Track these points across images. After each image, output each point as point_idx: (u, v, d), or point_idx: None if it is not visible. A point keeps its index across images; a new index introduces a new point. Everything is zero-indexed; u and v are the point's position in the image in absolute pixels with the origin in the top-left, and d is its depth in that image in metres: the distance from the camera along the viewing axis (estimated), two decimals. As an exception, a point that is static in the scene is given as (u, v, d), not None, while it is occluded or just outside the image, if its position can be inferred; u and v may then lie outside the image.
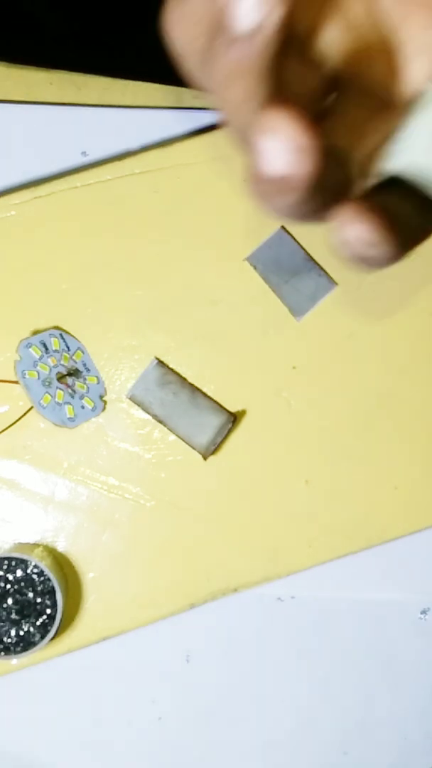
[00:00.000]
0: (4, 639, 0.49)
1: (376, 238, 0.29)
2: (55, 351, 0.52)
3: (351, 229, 0.28)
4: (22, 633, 0.49)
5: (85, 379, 0.52)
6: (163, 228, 0.53)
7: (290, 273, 0.54)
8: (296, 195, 0.27)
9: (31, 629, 0.49)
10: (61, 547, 0.52)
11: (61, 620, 0.49)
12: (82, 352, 0.52)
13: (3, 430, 0.52)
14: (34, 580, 0.49)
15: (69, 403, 0.52)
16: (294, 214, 0.29)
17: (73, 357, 0.52)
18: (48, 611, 0.49)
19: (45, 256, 0.52)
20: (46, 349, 0.52)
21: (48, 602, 0.49)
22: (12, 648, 0.49)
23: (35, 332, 0.52)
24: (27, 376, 0.52)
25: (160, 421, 0.52)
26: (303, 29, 0.29)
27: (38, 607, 0.49)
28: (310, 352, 0.53)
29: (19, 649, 0.49)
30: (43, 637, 0.49)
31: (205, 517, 0.53)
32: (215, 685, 0.55)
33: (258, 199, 0.28)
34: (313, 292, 0.54)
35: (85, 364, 0.52)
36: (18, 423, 0.52)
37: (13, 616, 0.49)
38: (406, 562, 0.55)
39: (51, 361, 0.52)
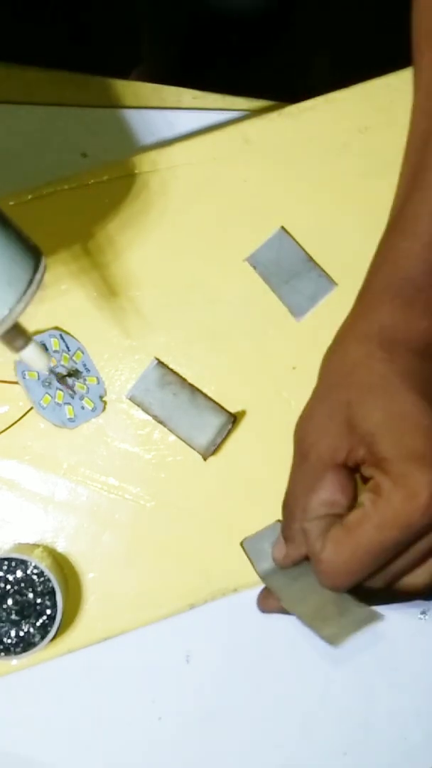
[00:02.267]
0: (4, 640, 0.49)
1: None
2: (55, 351, 0.52)
3: None
4: (22, 634, 0.49)
5: (85, 379, 0.52)
6: (163, 228, 0.53)
7: (290, 273, 0.54)
8: None
9: (31, 630, 0.49)
10: (61, 547, 0.52)
11: (61, 621, 0.49)
12: (82, 352, 0.52)
13: (3, 431, 0.52)
14: (34, 580, 0.49)
15: (69, 404, 0.52)
16: None
17: (73, 357, 0.52)
18: (48, 612, 0.49)
19: (44, 256, 0.52)
20: (46, 349, 0.52)
21: (48, 603, 0.49)
22: (12, 649, 0.49)
23: (35, 332, 0.52)
24: (27, 377, 0.52)
25: (160, 422, 0.52)
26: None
27: (38, 607, 0.49)
28: (310, 352, 0.53)
29: (19, 649, 0.49)
30: (43, 638, 0.49)
31: (206, 517, 0.53)
32: (215, 685, 0.55)
33: None
34: (313, 292, 0.54)
35: (85, 365, 0.52)
36: (18, 423, 0.52)
37: (13, 616, 0.49)
38: (406, 562, 0.55)
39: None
